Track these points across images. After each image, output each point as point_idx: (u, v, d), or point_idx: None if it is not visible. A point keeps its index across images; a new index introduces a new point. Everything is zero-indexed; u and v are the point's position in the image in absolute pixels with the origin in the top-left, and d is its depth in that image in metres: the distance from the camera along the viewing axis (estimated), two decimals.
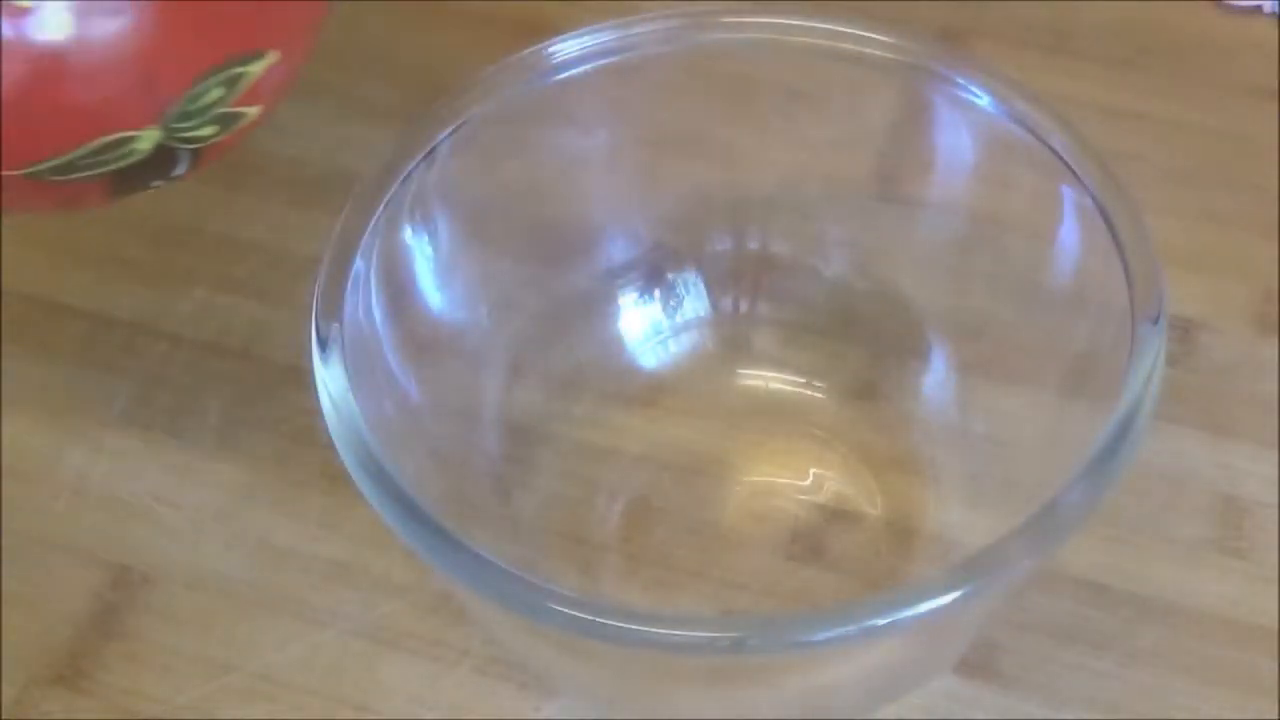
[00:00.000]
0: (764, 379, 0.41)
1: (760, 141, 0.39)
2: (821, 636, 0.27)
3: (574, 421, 0.40)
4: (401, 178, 0.34)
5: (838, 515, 0.39)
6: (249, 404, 0.42)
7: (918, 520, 0.38)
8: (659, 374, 0.41)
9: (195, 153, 0.36)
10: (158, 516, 0.40)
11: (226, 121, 0.35)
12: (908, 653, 0.32)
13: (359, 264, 0.33)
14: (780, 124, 0.39)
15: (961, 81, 0.35)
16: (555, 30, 0.36)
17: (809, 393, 0.40)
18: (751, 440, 0.40)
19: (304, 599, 0.39)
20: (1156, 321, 0.30)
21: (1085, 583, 0.38)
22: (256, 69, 0.34)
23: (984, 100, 0.35)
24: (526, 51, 0.36)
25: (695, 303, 0.41)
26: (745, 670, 0.32)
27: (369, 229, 0.33)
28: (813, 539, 0.38)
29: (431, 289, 0.37)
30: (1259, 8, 0.50)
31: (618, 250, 0.40)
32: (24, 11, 0.29)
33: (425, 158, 0.34)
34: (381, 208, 0.33)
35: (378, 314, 0.34)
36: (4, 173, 0.32)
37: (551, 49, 0.36)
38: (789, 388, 0.41)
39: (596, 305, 0.40)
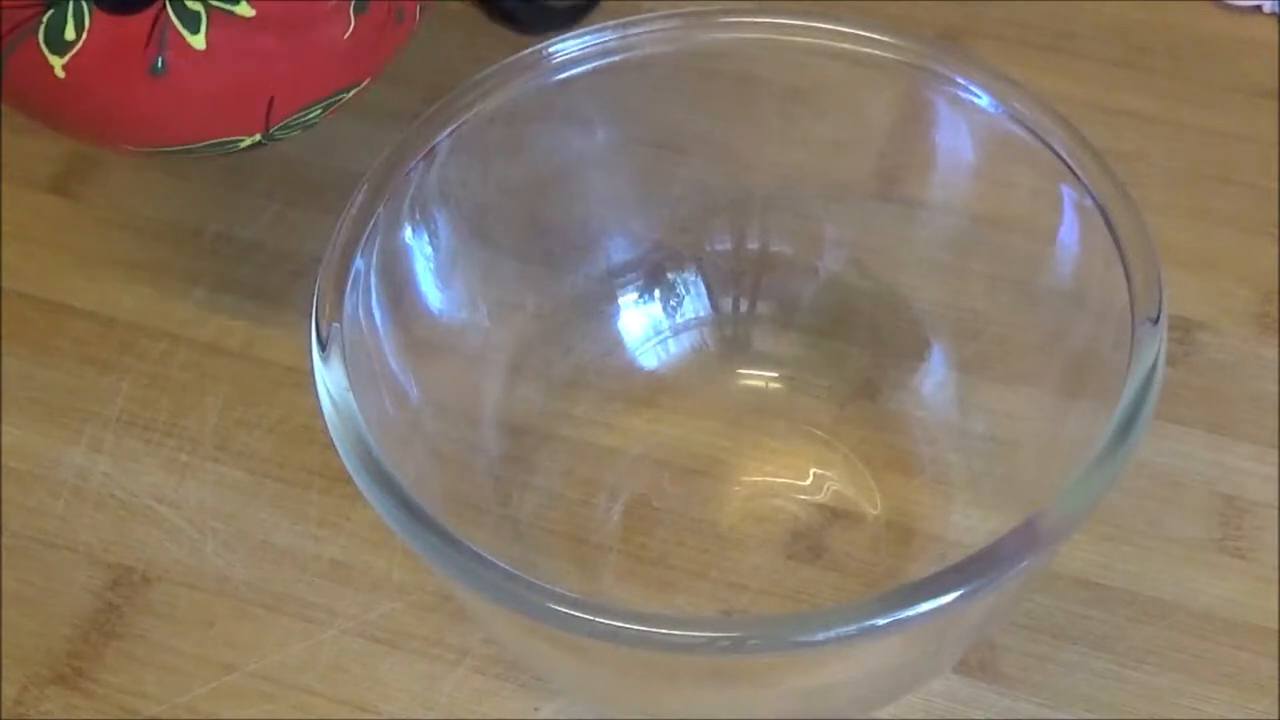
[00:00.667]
0: (764, 379, 0.41)
1: (760, 141, 0.39)
2: (821, 636, 0.27)
3: (574, 421, 0.40)
4: (401, 178, 0.34)
5: (838, 515, 0.39)
6: (249, 404, 0.42)
7: (918, 520, 0.38)
8: (659, 374, 0.41)
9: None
10: (158, 516, 0.40)
11: (310, 126, 0.39)
12: (907, 653, 0.32)
13: (359, 264, 0.33)
14: (780, 124, 0.39)
15: (961, 81, 0.35)
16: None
17: (809, 393, 0.40)
18: (751, 440, 0.40)
19: (304, 599, 0.39)
20: (1156, 321, 0.30)
21: (1085, 583, 0.38)
22: (352, 93, 0.39)
23: (984, 100, 0.35)
24: (526, 51, 0.36)
25: (695, 303, 0.41)
26: (745, 670, 0.32)
27: (369, 229, 0.33)
28: (813, 539, 0.38)
29: (431, 289, 0.37)
30: (1259, 8, 0.50)
31: (618, 250, 0.40)
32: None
33: (425, 158, 0.35)
34: (381, 208, 0.33)
35: (377, 314, 0.34)
36: (130, 147, 0.38)
37: (551, 49, 0.36)
38: (789, 388, 0.41)
39: (596, 305, 0.40)
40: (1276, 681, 0.37)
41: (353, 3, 0.36)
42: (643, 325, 0.41)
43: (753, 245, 0.41)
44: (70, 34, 0.34)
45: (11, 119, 0.49)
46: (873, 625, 0.27)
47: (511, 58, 0.36)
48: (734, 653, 0.28)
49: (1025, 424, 0.37)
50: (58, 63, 0.35)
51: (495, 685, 0.37)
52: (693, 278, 0.41)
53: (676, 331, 0.41)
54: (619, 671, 0.33)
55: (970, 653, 0.37)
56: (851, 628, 0.27)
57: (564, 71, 0.36)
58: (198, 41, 0.35)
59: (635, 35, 0.36)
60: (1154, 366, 0.30)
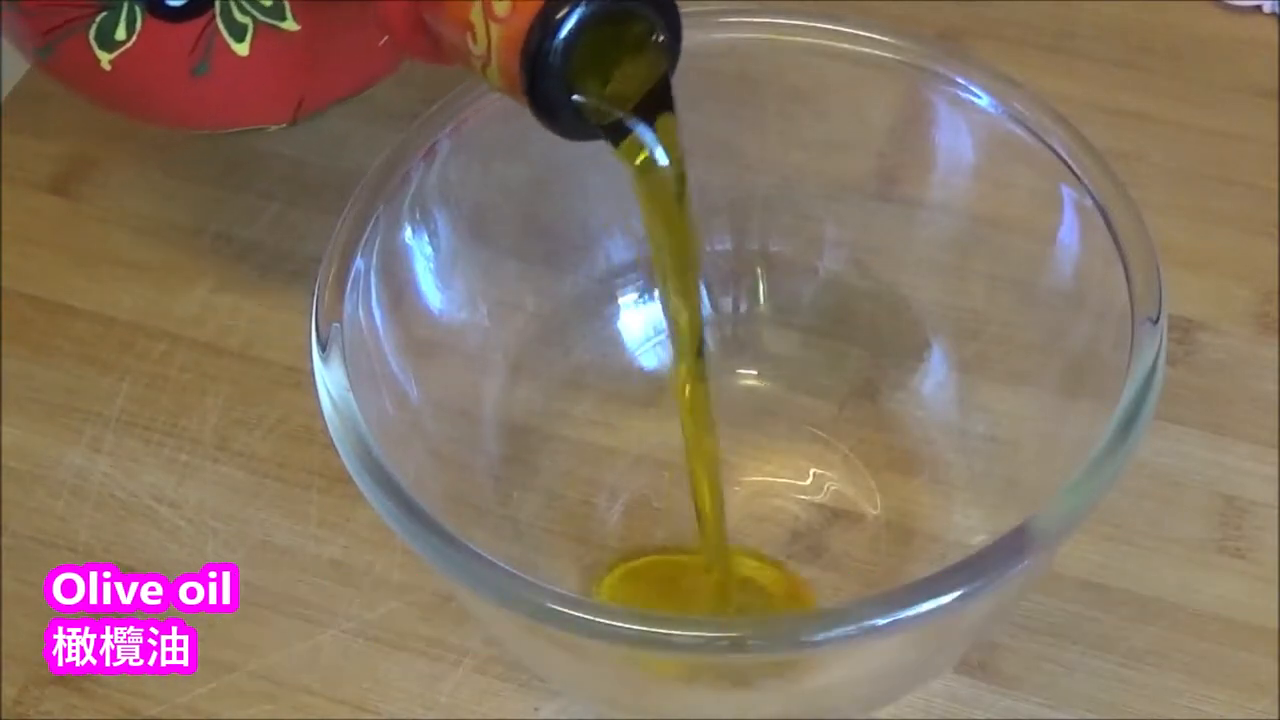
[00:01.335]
0: (764, 379, 0.41)
1: (760, 141, 0.39)
2: (821, 636, 0.27)
3: (574, 421, 0.40)
4: (401, 177, 0.34)
5: (837, 515, 0.39)
6: (249, 404, 0.42)
7: (917, 520, 0.38)
8: (659, 374, 0.41)
9: None
10: (158, 516, 0.40)
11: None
12: (907, 653, 0.32)
13: (359, 264, 0.33)
14: (780, 124, 0.39)
15: (961, 81, 0.35)
16: None
17: (809, 393, 0.40)
18: (751, 440, 0.40)
19: (304, 599, 0.39)
20: (1156, 321, 0.30)
21: (1085, 583, 0.38)
22: (375, 88, 0.41)
23: (984, 100, 0.35)
24: None
25: None
26: (745, 670, 0.32)
27: (369, 229, 0.33)
28: (812, 539, 0.38)
29: (431, 289, 0.37)
30: (1259, 7, 0.50)
31: (617, 250, 0.40)
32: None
33: (425, 158, 0.34)
34: (381, 207, 0.33)
35: (378, 314, 0.34)
36: (160, 127, 0.42)
37: None
38: (789, 388, 0.41)
39: (596, 305, 0.40)
40: (1276, 681, 0.37)
41: None
42: (642, 325, 0.40)
43: (753, 245, 0.41)
44: (121, 34, 0.36)
45: (12, 119, 0.49)
46: (873, 625, 0.27)
47: None
48: (734, 653, 0.28)
49: (1025, 424, 0.37)
50: (105, 58, 0.36)
51: (495, 685, 0.37)
52: None
53: None
54: (619, 672, 0.33)
55: (970, 653, 0.37)
56: (852, 628, 0.27)
57: None
58: (241, 49, 0.36)
59: None
60: (1154, 366, 0.30)
